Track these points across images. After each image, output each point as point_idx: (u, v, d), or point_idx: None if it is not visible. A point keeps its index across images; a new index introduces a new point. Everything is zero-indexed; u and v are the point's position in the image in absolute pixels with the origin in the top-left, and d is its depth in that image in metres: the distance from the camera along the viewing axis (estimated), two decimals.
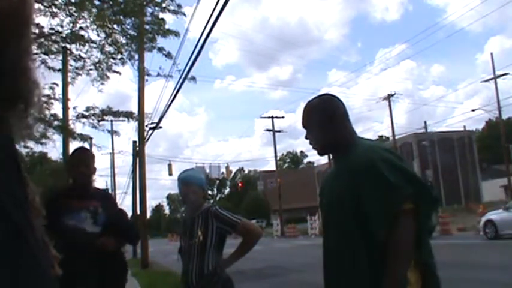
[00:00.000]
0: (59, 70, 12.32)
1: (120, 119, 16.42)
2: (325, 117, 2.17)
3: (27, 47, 0.86)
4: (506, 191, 38.80)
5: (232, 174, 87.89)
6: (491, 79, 34.69)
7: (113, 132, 19.03)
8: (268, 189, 65.66)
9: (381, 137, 65.05)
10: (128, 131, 77.34)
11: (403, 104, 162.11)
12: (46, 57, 10.40)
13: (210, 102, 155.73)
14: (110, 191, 17.40)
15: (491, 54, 35.12)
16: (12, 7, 0.80)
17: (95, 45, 9.84)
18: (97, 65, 10.51)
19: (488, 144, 57.49)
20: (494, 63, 34.45)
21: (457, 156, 53.22)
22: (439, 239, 18.34)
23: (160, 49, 11.07)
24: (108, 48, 9.93)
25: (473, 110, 60.73)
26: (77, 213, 3.28)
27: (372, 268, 1.95)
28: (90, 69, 10.87)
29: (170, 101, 14.88)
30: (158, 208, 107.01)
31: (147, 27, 10.13)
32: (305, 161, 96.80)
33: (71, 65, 11.56)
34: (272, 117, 45.18)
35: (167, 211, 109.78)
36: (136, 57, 11.86)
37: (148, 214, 32.70)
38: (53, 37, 9.56)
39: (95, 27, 9.13)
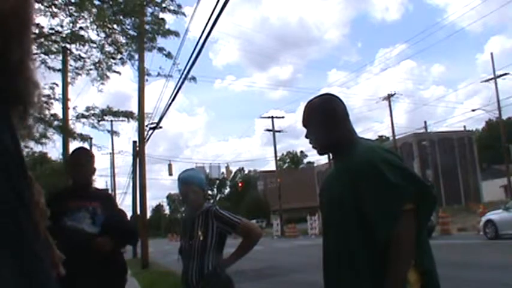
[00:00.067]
0: (59, 70, 12.33)
1: (120, 119, 16.48)
2: (326, 117, 2.17)
3: (27, 48, 0.86)
4: (506, 191, 38.82)
5: (232, 174, 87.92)
6: (491, 79, 34.71)
7: (112, 132, 19.12)
8: (268, 189, 65.76)
9: (381, 137, 65.02)
10: (127, 131, 77.47)
11: (403, 104, 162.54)
12: (46, 57, 10.43)
13: (210, 102, 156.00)
14: (110, 191, 17.39)
15: (491, 54, 35.19)
16: (13, 8, 0.80)
17: (95, 45, 9.86)
18: (97, 65, 10.53)
19: (488, 144, 57.39)
20: (494, 63, 34.53)
21: (457, 156, 53.28)
22: (439, 239, 18.36)
23: (160, 49, 11.11)
24: (108, 48, 9.96)
25: (473, 110, 60.76)
26: (76, 213, 3.27)
27: (372, 268, 1.95)
28: (90, 69, 10.91)
29: (170, 101, 14.91)
30: (158, 208, 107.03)
31: (147, 27, 10.14)
32: (305, 161, 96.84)
33: (71, 65, 11.57)
34: (272, 117, 45.22)
35: (167, 211, 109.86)
36: (136, 57, 11.91)
37: (148, 214, 32.68)
38: (53, 37, 9.57)
39: (95, 27, 9.15)
